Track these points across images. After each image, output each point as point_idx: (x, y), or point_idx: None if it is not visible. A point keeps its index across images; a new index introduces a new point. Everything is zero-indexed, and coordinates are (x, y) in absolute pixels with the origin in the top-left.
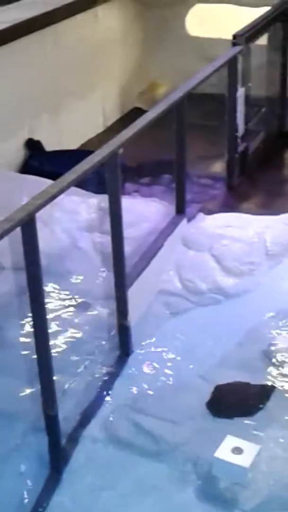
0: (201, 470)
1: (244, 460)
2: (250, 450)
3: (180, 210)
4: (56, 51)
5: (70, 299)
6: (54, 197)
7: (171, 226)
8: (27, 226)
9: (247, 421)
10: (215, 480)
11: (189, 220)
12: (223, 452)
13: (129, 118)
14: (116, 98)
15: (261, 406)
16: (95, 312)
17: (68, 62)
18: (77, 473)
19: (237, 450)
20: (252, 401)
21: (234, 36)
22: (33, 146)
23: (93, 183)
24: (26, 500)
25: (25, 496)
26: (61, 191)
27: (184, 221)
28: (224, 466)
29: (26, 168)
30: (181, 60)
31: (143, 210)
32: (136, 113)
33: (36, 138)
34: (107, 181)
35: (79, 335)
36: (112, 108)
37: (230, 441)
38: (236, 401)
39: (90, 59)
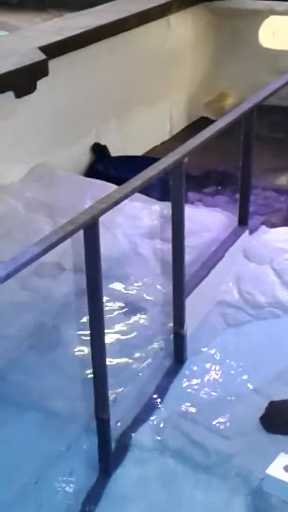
0: (251, 485)
1: None
2: None
3: (243, 221)
4: (126, 58)
5: (127, 304)
6: (118, 202)
7: (233, 237)
8: (90, 229)
9: None
10: (266, 496)
11: (251, 232)
12: (275, 469)
13: (196, 127)
14: (183, 106)
15: None
16: (151, 319)
17: (137, 70)
18: (125, 479)
19: None
20: None
21: None
22: (99, 150)
23: (156, 190)
24: (73, 502)
25: (73, 497)
26: (125, 197)
27: (246, 233)
28: (275, 483)
29: (91, 172)
30: (252, 71)
31: (205, 220)
32: (203, 122)
33: (102, 142)
34: (171, 189)
35: (134, 340)
36: (179, 117)
37: (283, 458)
38: None
39: (160, 67)
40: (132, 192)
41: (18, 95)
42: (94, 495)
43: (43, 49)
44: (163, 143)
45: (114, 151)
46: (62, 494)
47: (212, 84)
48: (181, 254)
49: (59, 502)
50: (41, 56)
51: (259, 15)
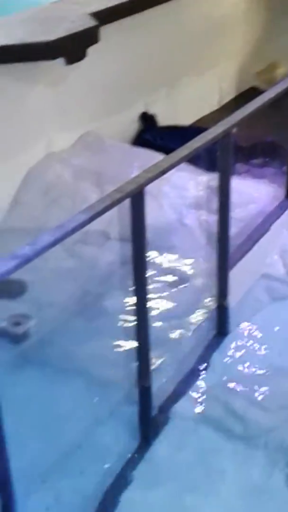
0: None
1: None
2: None
3: None
4: (177, 26)
5: (171, 274)
6: (164, 171)
7: (279, 210)
8: (136, 198)
9: None
10: None
11: None
12: None
13: (245, 97)
14: (233, 76)
15: None
16: (195, 290)
17: (188, 38)
18: (165, 447)
19: None
20: None
21: None
22: (147, 120)
23: (204, 160)
24: (113, 467)
25: (113, 462)
26: (172, 166)
27: None
28: None
29: (139, 141)
30: None
31: (252, 192)
32: (253, 93)
33: (151, 112)
34: (218, 160)
35: (177, 310)
36: (229, 87)
37: None
38: None
39: (210, 36)
40: (178, 162)
41: (69, 61)
42: (133, 461)
43: (94, 15)
44: (212, 113)
45: (163, 121)
46: (103, 459)
47: (264, 54)
48: (227, 226)
49: (100, 466)
50: (92, 23)
51: None
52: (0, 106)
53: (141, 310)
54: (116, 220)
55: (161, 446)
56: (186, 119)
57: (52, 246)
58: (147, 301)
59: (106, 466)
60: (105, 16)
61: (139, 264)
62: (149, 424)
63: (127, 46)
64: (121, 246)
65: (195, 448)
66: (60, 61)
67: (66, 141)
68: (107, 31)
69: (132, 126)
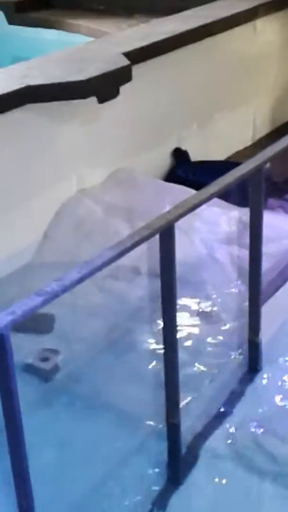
0: None
1: None
2: None
3: None
4: (211, 63)
5: (202, 309)
6: (194, 207)
7: None
8: (166, 234)
9: None
10: None
11: None
12: None
13: (280, 132)
14: (268, 111)
15: None
16: (226, 325)
17: (221, 75)
18: (194, 486)
19: None
20: None
21: None
22: (180, 155)
23: (236, 195)
24: (140, 508)
25: (140, 502)
26: (202, 202)
27: None
28: None
29: (172, 177)
30: None
31: (285, 227)
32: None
33: (183, 147)
34: (250, 195)
35: (207, 346)
36: (263, 122)
37: None
38: None
39: (245, 72)
40: (209, 198)
41: (101, 100)
42: (162, 501)
43: (127, 54)
44: (245, 148)
45: (195, 157)
46: (130, 497)
47: None
48: (258, 261)
49: (126, 506)
50: (125, 62)
51: None
52: (34, 143)
53: (170, 346)
54: (147, 255)
55: (190, 486)
56: (218, 155)
57: (80, 282)
58: (176, 338)
59: (133, 505)
60: (138, 55)
61: (168, 301)
62: (178, 462)
63: (160, 83)
64: (151, 281)
65: (224, 487)
66: (93, 99)
67: (98, 177)
68: (140, 70)
69: (165, 162)
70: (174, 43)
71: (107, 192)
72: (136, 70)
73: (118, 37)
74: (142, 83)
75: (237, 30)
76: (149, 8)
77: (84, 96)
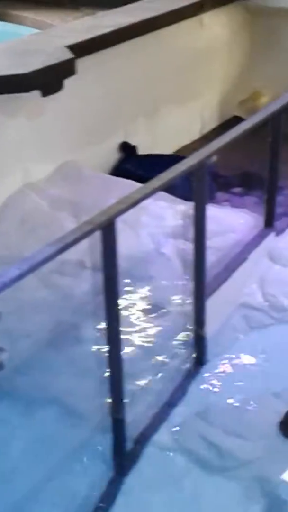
0: (267, 491)
1: None
2: None
3: (269, 223)
4: (157, 57)
5: (148, 304)
6: (136, 202)
7: (258, 238)
8: (107, 230)
9: None
10: (281, 502)
11: (277, 234)
12: None
13: (228, 126)
14: (216, 105)
15: None
16: (172, 319)
17: (169, 68)
18: (140, 479)
19: None
20: None
21: None
22: (127, 149)
23: (182, 189)
24: (87, 501)
25: (87, 496)
26: (144, 197)
27: (272, 234)
28: None
29: (119, 170)
30: (287, 71)
31: (231, 221)
32: (235, 122)
33: (131, 141)
34: (194, 189)
35: (153, 340)
36: (211, 116)
37: None
38: None
39: (192, 66)
40: (151, 193)
41: (45, 93)
42: (108, 494)
43: (71, 47)
44: (193, 142)
45: (143, 150)
46: (76, 492)
47: (246, 83)
48: (203, 255)
49: (73, 500)
50: (68, 55)
51: None
52: None
53: (114, 341)
54: (92, 249)
55: (136, 479)
56: (166, 149)
57: (20, 279)
58: (119, 332)
59: (79, 500)
60: (83, 48)
61: (110, 296)
62: (123, 455)
63: (106, 77)
64: (97, 275)
65: (170, 480)
66: (37, 92)
67: (44, 171)
68: (85, 63)
69: (112, 156)
70: (120, 36)
71: (53, 186)
72: (82, 63)
73: (62, 30)
74: (88, 76)
75: (184, 24)
76: (95, 0)
77: (27, 90)
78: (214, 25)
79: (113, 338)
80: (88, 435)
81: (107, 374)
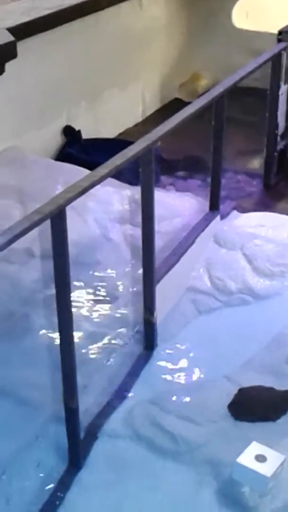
0: (220, 473)
1: (266, 469)
2: (274, 459)
3: (214, 206)
4: (98, 39)
5: (97, 290)
6: (85, 190)
7: (204, 222)
8: (57, 219)
9: (269, 426)
10: (234, 485)
11: (222, 217)
12: (246, 458)
13: (169, 109)
14: (156, 88)
15: (285, 412)
16: (121, 305)
17: (109, 50)
18: (95, 468)
19: (261, 458)
20: (275, 407)
21: (280, 32)
22: (70, 133)
23: (129, 173)
24: (42, 492)
25: (42, 488)
26: (93, 185)
27: (217, 218)
28: (245, 472)
29: (63, 155)
30: (225, 52)
31: (176, 205)
32: (176, 104)
33: (73, 125)
34: (141, 175)
35: (103, 327)
36: (152, 98)
37: (255, 447)
38: (259, 405)
39: (132, 48)
40: (99, 181)
41: None
42: (63, 485)
43: (11, 30)
44: (136, 125)
45: (86, 134)
46: (30, 485)
47: (186, 65)
48: (151, 241)
49: (27, 493)
50: (9, 38)
51: None
52: None
53: (65, 330)
54: (39, 236)
55: (90, 468)
56: (110, 132)
57: None
58: (71, 321)
59: (34, 490)
60: (23, 31)
61: (61, 285)
62: (77, 445)
63: (47, 60)
64: (46, 264)
65: (124, 467)
66: None
67: None
68: (25, 46)
69: (55, 140)
70: (59, 19)
71: None
72: (21, 46)
73: (1, 12)
74: (28, 60)
75: (123, 6)
76: None
77: None
78: (153, 7)
79: (65, 326)
80: (42, 426)
81: (59, 363)
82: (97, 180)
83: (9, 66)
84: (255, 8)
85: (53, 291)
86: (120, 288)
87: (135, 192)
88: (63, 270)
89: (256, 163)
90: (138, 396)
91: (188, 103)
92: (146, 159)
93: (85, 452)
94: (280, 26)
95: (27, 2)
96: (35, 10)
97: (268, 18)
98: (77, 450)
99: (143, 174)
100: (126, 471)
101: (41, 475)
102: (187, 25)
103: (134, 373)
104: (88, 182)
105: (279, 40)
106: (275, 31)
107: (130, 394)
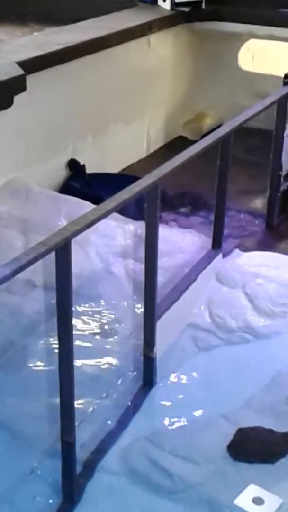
0: None
1: None
2: (271, 502)
3: (217, 244)
4: (106, 76)
5: (97, 324)
6: (91, 224)
7: (206, 259)
8: (62, 251)
9: (268, 468)
10: None
11: (224, 255)
12: (244, 500)
13: (173, 146)
14: (161, 125)
15: (284, 454)
16: (121, 340)
17: (117, 87)
18: (90, 504)
19: (259, 500)
20: (274, 449)
21: (286, 76)
22: (75, 167)
23: (131, 208)
24: None
25: None
26: (99, 219)
27: (220, 256)
28: None
29: (67, 188)
30: (230, 93)
31: (179, 241)
32: (180, 142)
33: (78, 159)
34: (146, 211)
35: (103, 362)
36: (157, 135)
37: (253, 490)
38: (258, 447)
39: (139, 86)
40: (106, 215)
41: None
42: None
43: (21, 64)
44: (140, 160)
45: (91, 168)
46: None
47: (191, 104)
48: (154, 278)
49: None
50: (19, 71)
51: (239, 38)
52: None
53: (65, 363)
54: (42, 268)
55: (85, 504)
56: (114, 167)
57: None
58: (72, 355)
59: None
60: (33, 65)
61: (64, 317)
62: (73, 481)
63: (55, 94)
64: (47, 295)
65: (119, 504)
66: None
67: None
68: (35, 80)
69: (60, 173)
70: (69, 54)
71: (0, 203)
72: (31, 79)
73: (12, 45)
74: (37, 93)
75: (132, 44)
76: (43, 16)
77: None
78: (161, 46)
79: (65, 359)
80: (37, 460)
81: (57, 396)
82: (104, 213)
83: (18, 98)
84: (261, 51)
85: (54, 323)
86: (121, 323)
87: (138, 226)
88: (66, 302)
89: (259, 203)
90: (135, 433)
91: (192, 141)
92: (152, 195)
93: (80, 487)
94: (286, 69)
95: (39, 36)
96: (46, 45)
97: (274, 61)
98: (72, 485)
99: (148, 210)
100: (121, 508)
101: (36, 509)
102: (194, 65)
103: (132, 409)
104: (95, 215)
105: (285, 83)
106: (280, 74)
107: (127, 431)
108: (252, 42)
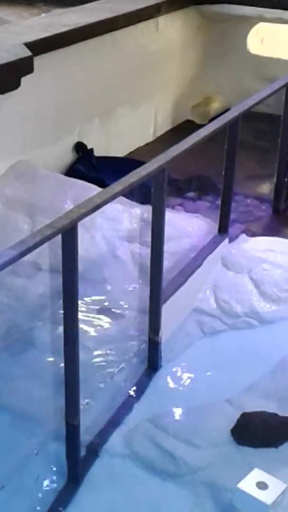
0: (219, 498)
1: (267, 496)
2: (275, 487)
3: (223, 229)
4: (113, 58)
5: (103, 308)
6: (98, 207)
7: (212, 244)
8: (68, 234)
9: (272, 453)
10: (234, 510)
11: (231, 240)
12: (247, 484)
13: (180, 130)
14: (169, 109)
15: (287, 439)
16: (126, 324)
17: (124, 70)
18: (93, 486)
19: (262, 485)
20: (278, 433)
21: None
22: (81, 149)
23: (138, 192)
24: (40, 506)
25: (40, 504)
26: (105, 202)
27: (226, 241)
28: (245, 499)
29: (73, 171)
30: (239, 77)
31: (185, 226)
32: (188, 126)
33: (85, 141)
34: (153, 195)
35: (108, 345)
36: (164, 119)
37: (256, 474)
38: (262, 431)
39: (146, 68)
40: (112, 198)
41: (2, 91)
42: (61, 502)
43: (28, 45)
44: (146, 144)
45: (97, 151)
46: (29, 500)
47: (199, 88)
48: (160, 262)
49: (26, 507)
50: (26, 53)
51: (248, 21)
52: None
53: (70, 346)
54: (48, 250)
55: (89, 486)
56: (121, 150)
57: None
58: (77, 337)
59: (33, 504)
60: (40, 46)
61: (69, 300)
62: (77, 462)
63: (62, 76)
64: (52, 278)
65: (123, 487)
66: None
67: None
68: (42, 61)
69: (66, 156)
70: (77, 36)
71: (7, 186)
72: (38, 61)
73: (20, 27)
74: (44, 75)
75: (140, 26)
76: None
77: None
78: (169, 29)
79: (71, 341)
80: (42, 441)
81: (62, 378)
82: (110, 197)
83: (25, 80)
84: (270, 34)
85: (59, 305)
86: (126, 306)
87: (144, 210)
88: (71, 285)
89: (266, 188)
90: (139, 416)
91: (199, 125)
92: (159, 179)
93: (84, 469)
94: None
95: (46, 18)
96: (53, 26)
97: (283, 45)
98: (76, 466)
99: (155, 194)
100: (124, 491)
101: (40, 489)
102: (202, 48)
103: (136, 392)
104: (101, 199)
105: None
106: None
107: (131, 414)
108: (261, 26)
